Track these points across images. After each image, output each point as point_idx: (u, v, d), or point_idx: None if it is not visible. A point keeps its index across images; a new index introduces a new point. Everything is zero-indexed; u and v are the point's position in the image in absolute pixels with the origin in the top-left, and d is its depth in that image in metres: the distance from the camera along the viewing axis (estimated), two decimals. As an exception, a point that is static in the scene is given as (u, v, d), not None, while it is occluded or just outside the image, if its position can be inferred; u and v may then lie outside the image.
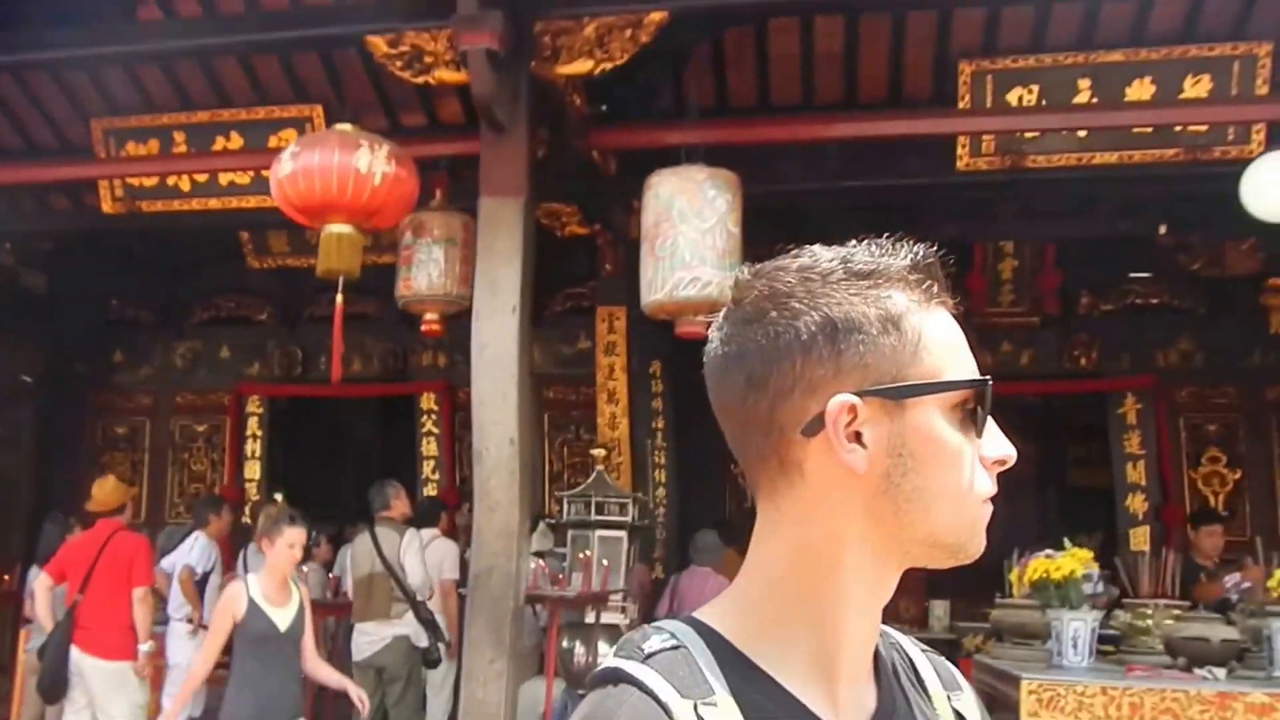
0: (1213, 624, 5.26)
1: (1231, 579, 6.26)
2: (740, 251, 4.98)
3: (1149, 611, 5.63)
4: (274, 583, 4.37)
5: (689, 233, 4.83)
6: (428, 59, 5.22)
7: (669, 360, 8.98)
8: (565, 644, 5.79)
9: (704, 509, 9.27)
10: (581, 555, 5.67)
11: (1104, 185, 7.55)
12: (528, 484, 4.64)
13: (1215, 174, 6.88)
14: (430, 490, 9.16)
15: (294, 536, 4.33)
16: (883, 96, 7.37)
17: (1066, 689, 4.84)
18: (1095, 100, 6.88)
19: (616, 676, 0.81)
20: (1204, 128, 6.84)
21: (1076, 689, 4.83)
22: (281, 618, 4.31)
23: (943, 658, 1.02)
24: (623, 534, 6.02)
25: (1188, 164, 7.05)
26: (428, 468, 9.44)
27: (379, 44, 5.32)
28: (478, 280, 4.87)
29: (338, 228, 5.11)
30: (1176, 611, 5.49)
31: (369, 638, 6.14)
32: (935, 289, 0.87)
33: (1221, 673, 5.11)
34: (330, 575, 6.76)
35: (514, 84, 5.10)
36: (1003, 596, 5.91)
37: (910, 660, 0.97)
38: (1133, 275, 9.84)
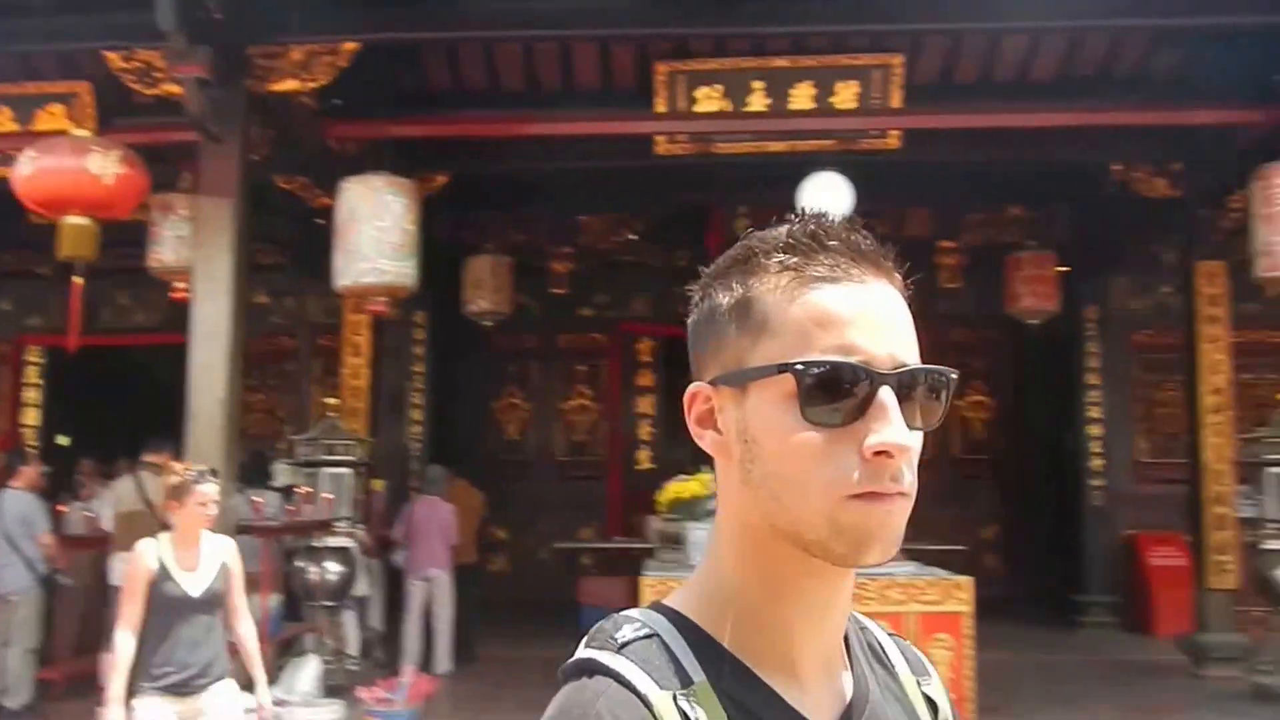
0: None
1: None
2: (415, 245, 6.11)
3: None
4: (185, 545, 3.98)
5: (370, 231, 5.94)
6: (156, 74, 6.09)
7: (434, 313, 10.11)
8: (299, 563, 6.92)
9: (460, 446, 10.52)
10: (304, 491, 6.80)
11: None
12: (234, 436, 5.72)
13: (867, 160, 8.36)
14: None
15: (205, 495, 3.97)
16: (597, 89, 8.54)
17: (678, 583, 6.27)
18: (769, 99, 8.16)
19: (591, 667, 0.79)
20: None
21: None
22: (193, 583, 3.94)
23: (909, 643, 1.00)
24: (349, 471, 7.17)
25: (842, 152, 8.45)
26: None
27: (114, 59, 6.15)
28: (196, 270, 5.84)
29: (74, 220, 5.97)
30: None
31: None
32: (816, 266, 0.80)
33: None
34: (90, 514, 7.63)
35: (231, 100, 6.02)
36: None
37: (880, 645, 0.96)
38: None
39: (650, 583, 6.28)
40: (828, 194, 7.34)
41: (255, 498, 6.62)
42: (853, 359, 0.77)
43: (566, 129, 7.74)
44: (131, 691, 3.81)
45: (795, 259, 0.81)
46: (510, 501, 10.91)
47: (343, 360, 8.16)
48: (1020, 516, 11.35)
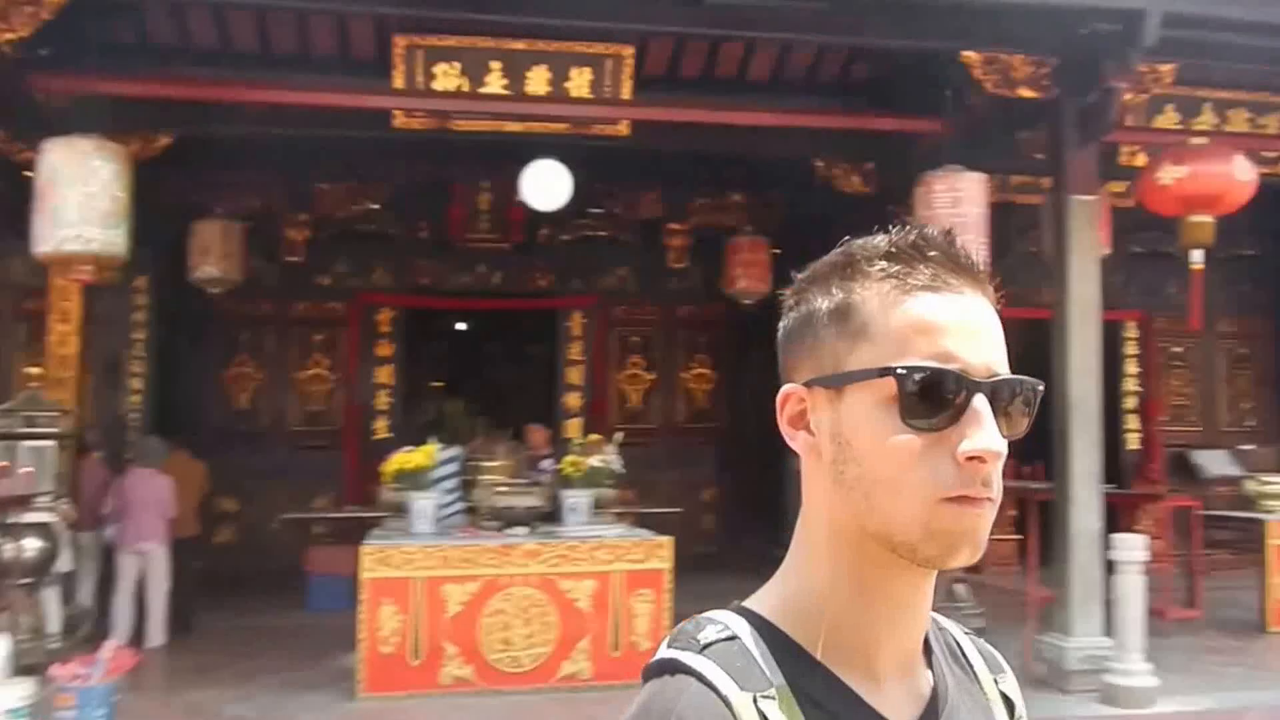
0: (522, 495, 7.15)
1: (547, 462, 8.28)
2: (127, 212, 5.93)
3: (499, 487, 7.43)
4: None
5: (75, 196, 5.71)
6: None
7: (158, 279, 9.68)
8: (-6, 540, 6.57)
9: (186, 416, 10.17)
10: (1, 464, 6.46)
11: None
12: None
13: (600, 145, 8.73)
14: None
15: None
16: (335, 56, 8.44)
17: (395, 550, 6.47)
18: (506, 80, 8.34)
19: (674, 667, 0.82)
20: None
21: (403, 549, 6.48)
22: None
23: (984, 641, 1.01)
24: (53, 444, 6.86)
25: (576, 135, 8.77)
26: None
27: None
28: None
29: None
30: (504, 487, 7.32)
31: None
32: (917, 275, 0.83)
33: (524, 530, 7.01)
34: None
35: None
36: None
37: (958, 644, 0.97)
38: (587, 212, 11.65)
39: (369, 551, 6.47)
40: (549, 179, 7.62)
41: (-57, 471, 6.23)
42: (951, 366, 0.80)
43: (300, 98, 7.63)
44: None
45: (897, 267, 0.83)
46: (240, 472, 10.66)
47: (49, 327, 7.72)
48: (736, 480, 12.22)
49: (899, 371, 0.80)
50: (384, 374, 11.83)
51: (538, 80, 8.27)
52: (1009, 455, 0.82)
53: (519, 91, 8.07)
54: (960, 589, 8.34)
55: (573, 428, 11.62)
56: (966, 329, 0.82)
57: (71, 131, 5.95)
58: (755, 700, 0.78)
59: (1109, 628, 6.64)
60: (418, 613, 6.44)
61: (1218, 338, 12.65)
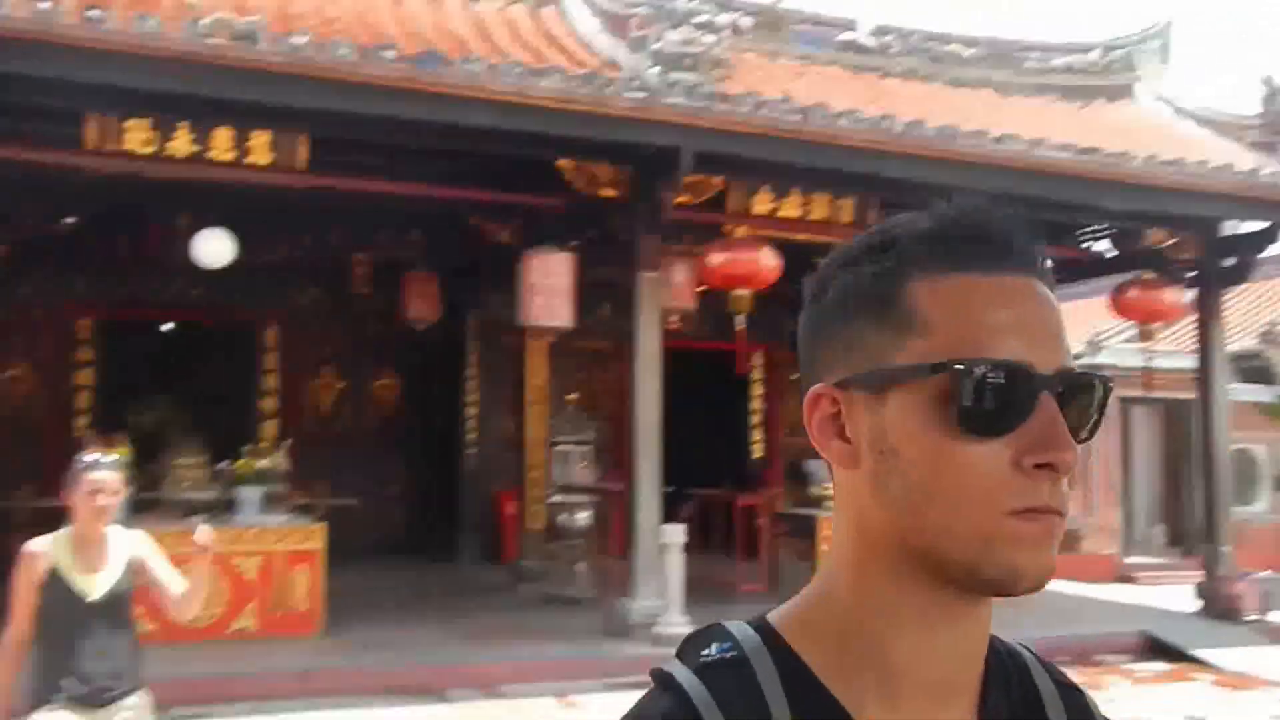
0: (204, 489, 8.73)
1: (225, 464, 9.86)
2: None
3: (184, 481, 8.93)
4: (84, 543, 3.58)
5: None
6: None
7: None
8: None
9: None
10: None
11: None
12: None
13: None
14: None
15: (97, 483, 3.55)
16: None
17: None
18: (192, 137, 9.63)
19: (666, 682, 0.77)
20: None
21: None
22: (94, 585, 3.55)
23: (1086, 695, 0.87)
24: None
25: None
26: None
27: None
28: None
29: None
30: (188, 481, 8.86)
31: None
32: (972, 259, 0.73)
33: (204, 518, 8.57)
34: None
35: None
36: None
37: (1036, 690, 0.84)
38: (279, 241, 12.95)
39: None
40: (216, 243, 9.15)
41: None
42: (1017, 360, 0.70)
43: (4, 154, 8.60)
44: (35, 703, 3.49)
45: (947, 248, 0.73)
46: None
47: None
48: (417, 476, 14.08)
49: (957, 367, 0.70)
50: (83, 377, 12.80)
51: (222, 141, 9.50)
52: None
53: (205, 149, 9.45)
54: (580, 568, 10.61)
55: (269, 428, 13.08)
56: (1030, 318, 0.72)
57: None
58: None
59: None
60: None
61: None
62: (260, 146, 9.47)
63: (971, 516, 0.71)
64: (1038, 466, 0.70)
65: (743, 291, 9.55)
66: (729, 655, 0.77)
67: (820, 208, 10.62)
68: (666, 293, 9.20)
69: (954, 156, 8.88)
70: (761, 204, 10.12)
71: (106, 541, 3.61)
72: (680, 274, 9.39)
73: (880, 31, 11.77)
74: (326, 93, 7.51)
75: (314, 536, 8.76)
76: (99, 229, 12.02)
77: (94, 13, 7.01)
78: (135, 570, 3.65)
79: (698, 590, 10.19)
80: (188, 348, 14.22)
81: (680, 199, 8.89)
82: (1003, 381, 0.70)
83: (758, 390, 15.32)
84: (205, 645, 7.96)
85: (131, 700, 3.63)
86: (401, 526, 13.94)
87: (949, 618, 0.76)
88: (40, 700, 3.48)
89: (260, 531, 8.59)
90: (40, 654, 3.52)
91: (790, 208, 10.70)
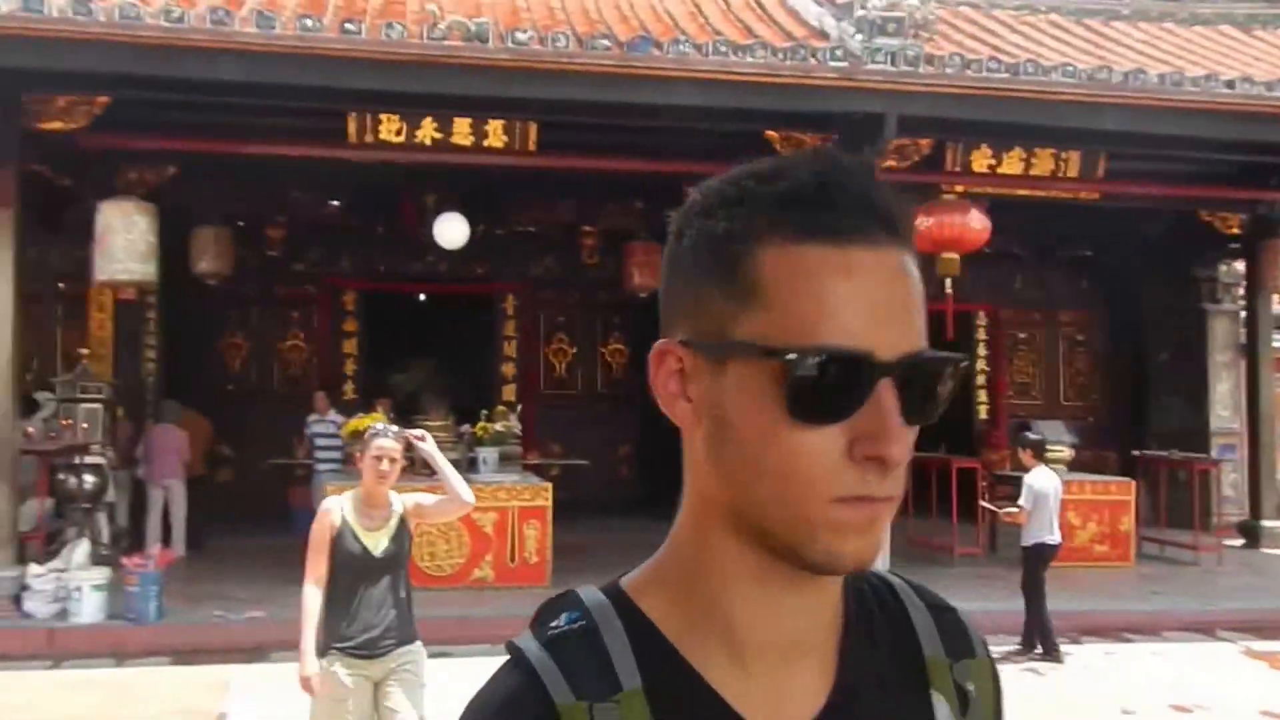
0: (448, 449, 9.69)
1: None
2: (155, 252, 8.41)
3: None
4: (369, 503, 3.92)
5: (121, 240, 8.18)
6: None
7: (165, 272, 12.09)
8: (62, 476, 9.08)
9: (191, 380, 12.67)
10: (63, 420, 9.00)
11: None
12: (14, 387, 7.88)
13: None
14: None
15: (381, 449, 3.86)
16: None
17: (347, 485, 8.99)
18: (436, 124, 10.64)
19: (515, 656, 0.76)
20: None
21: (352, 485, 9.01)
22: (375, 542, 3.88)
23: (960, 615, 0.86)
24: (99, 405, 9.38)
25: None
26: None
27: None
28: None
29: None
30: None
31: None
32: (821, 226, 0.69)
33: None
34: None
35: (9, 132, 7.97)
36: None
37: (908, 620, 0.83)
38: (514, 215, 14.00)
39: (331, 488, 8.98)
40: (454, 226, 10.04)
41: (26, 427, 8.74)
42: (853, 346, 0.67)
43: (275, 150, 9.86)
44: (321, 651, 3.84)
45: (797, 214, 0.69)
46: (236, 425, 13.15)
47: (90, 315, 10.19)
48: (644, 436, 14.83)
49: (788, 357, 0.67)
50: (349, 345, 14.33)
51: (461, 129, 10.43)
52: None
53: (447, 136, 10.41)
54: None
55: (508, 392, 14.18)
56: (876, 297, 0.69)
57: (116, 189, 8.39)
58: (591, 709, 0.71)
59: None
60: (367, 530, 9.04)
61: (1059, 326, 15.46)
62: (495, 131, 10.33)
63: (796, 501, 0.69)
64: (868, 457, 0.68)
65: (951, 255, 9.56)
66: (577, 625, 0.76)
67: (1044, 161, 10.40)
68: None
69: (1180, 104, 8.52)
70: (980, 161, 10.04)
71: (389, 504, 3.92)
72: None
73: (1107, -27, 11.25)
74: (549, 82, 8.16)
75: (543, 494, 9.57)
76: (359, 211, 13.39)
77: (350, 24, 7.95)
78: (411, 517, 3.96)
79: (913, 555, 10.39)
80: (437, 317, 15.55)
81: (889, 163, 8.98)
82: (836, 370, 0.67)
83: (981, 351, 15.12)
84: (448, 591, 8.91)
85: (406, 649, 3.91)
86: (630, 484, 14.74)
87: (790, 583, 0.73)
88: (325, 648, 3.81)
89: (496, 489, 9.47)
90: (328, 604, 3.82)
91: (1012, 163, 10.53)
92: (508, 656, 0.77)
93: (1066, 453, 11.08)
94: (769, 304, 0.69)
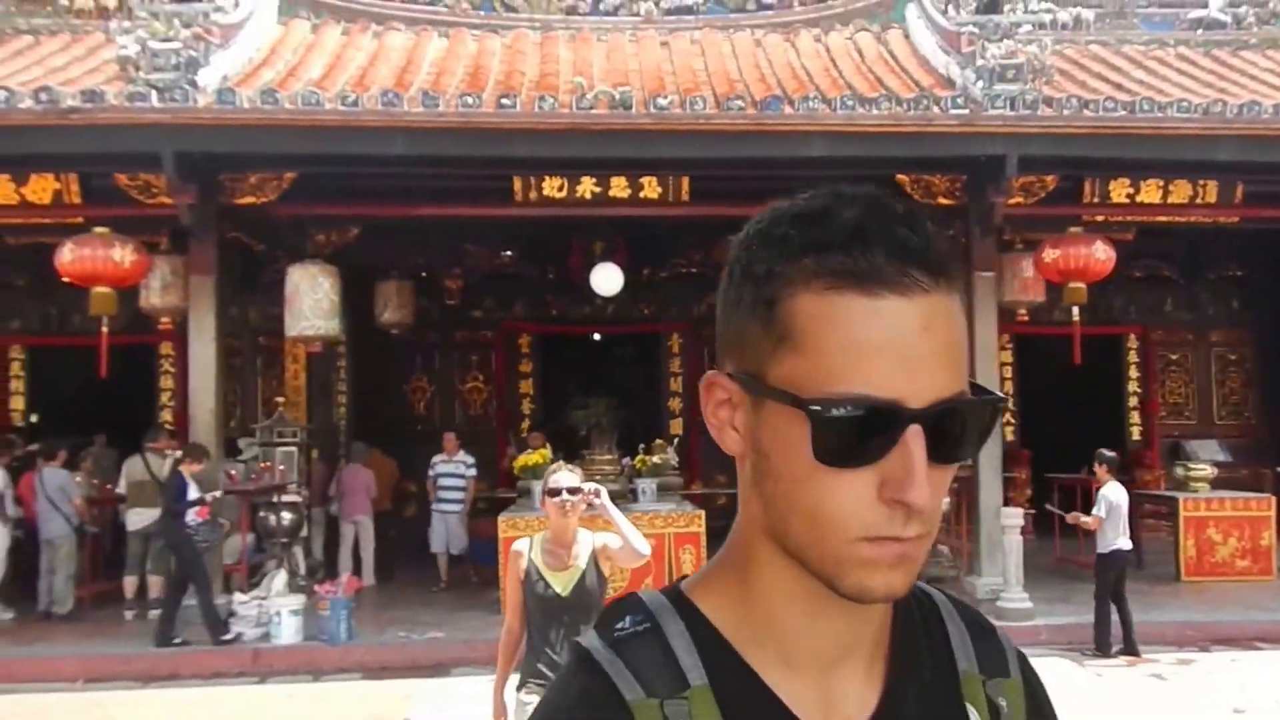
0: (610, 481, 10.15)
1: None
2: (339, 308, 9.27)
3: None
4: (555, 543, 3.91)
5: (308, 300, 9.09)
6: (154, 190, 9.09)
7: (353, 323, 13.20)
8: (263, 514, 10.07)
9: (379, 422, 13.69)
10: (263, 463, 10.00)
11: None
12: (219, 433, 8.88)
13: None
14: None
15: (556, 483, 3.88)
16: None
17: (522, 518, 9.48)
18: (594, 180, 11.19)
19: (584, 658, 0.78)
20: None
21: (527, 518, 9.54)
22: (562, 582, 3.86)
23: (999, 635, 0.89)
24: (295, 449, 10.37)
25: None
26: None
27: (121, 178, 9.12)
28: (191, 322, 8.93)
29: (101, 289, 8.96)
30: (599, 475, 10.34)
31: (139, 517, 10.19)
32: (857, 273, 0.71)
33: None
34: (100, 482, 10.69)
35: (209, 208, 9.04)
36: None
37: (945, 633, 0.87)
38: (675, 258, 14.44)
39: (506, 520, 9.59)
40: (610, 275, 10.52)
41: (229, 469, 9.79)
42: (881, 397, 0.69)
43: (448, 212, 10.64)
44: (521, 683, 3.90)
45: (834, 259, 0.71)
46: (420, 463, 14.07)
47: (285, 366, 11.28)
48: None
49: (812, 409, 0.70)
50: (525, 386, 15.11)
51: (618, 183, 10.90)
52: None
53: (605, 190, 10.93)
54: (943, 547, 10.90)
55: (675, 426, 14.59)
56: (908, 345, 0.70)
57: (304, 254, 9.33)
58: (662, 706, 0.74)
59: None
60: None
61: (1210, 346, 14.90)
62: (649, 185, 10.77)
63: (824, 538, 0.72)
64: (894, 501, 0.71)
65: (1077, 284, 9.55)
66: (641, 627, 0.79)
67: (1181, 189, 10.22)
68: (1013, 286, 9.44)
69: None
70: (1118, 191, 10.02)
71: (576, 542, 3.89)
72: (1027, 269, 9.65)
73: (1233, 3, 10.86)
74: (690, 142, 8.57)
75: (696, 521, 9.92)
76: (531, 260, 14.17)
77: (505, 99, 8.61)
78: (600, 560, 3.90)
79: (1051, 571, 10.73)
80: (608, 356, 16.15)
81: (1014, 200, 9.05)
82: (863, 419, 0.69)
83: (1132, 373, 14.76)
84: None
85: None
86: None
87: (834, 599, 0.75)
88: (523, 681, 3.88)
89: (653, 517, 9.88)
90: (527, 641, 3.88)
91: (1150, 192, 10.33)
92: (571, 664, 0.80)
93: (1209, 470, 11.50)
94: (802, 349, 0.72)
